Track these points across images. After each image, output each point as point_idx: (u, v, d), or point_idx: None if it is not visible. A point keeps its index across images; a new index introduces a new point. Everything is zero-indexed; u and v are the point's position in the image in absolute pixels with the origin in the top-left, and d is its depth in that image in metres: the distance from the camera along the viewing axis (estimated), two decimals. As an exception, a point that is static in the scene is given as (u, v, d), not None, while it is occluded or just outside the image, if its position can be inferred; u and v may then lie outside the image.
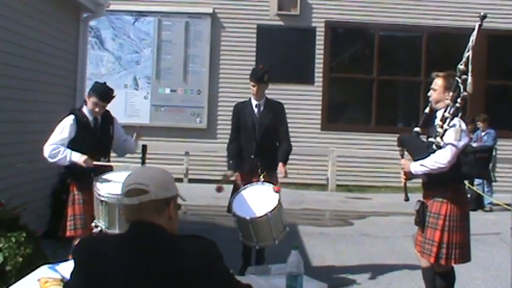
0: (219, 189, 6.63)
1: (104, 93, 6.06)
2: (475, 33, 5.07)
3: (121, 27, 14.98)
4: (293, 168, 12.71)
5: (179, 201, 2.65)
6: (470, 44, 5.09)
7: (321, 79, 15.07)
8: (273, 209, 5.91)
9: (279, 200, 6.02)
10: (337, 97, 15.62)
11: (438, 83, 5.24)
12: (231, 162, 6.83)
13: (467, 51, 5.09)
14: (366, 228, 10.12)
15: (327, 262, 7.77)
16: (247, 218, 5.89)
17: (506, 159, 13.71)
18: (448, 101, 5.08)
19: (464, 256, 5.23)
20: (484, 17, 5.06)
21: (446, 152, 4.98)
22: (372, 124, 15.27)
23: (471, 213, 10.83)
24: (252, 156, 6.68)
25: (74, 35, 9.63)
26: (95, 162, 5.82)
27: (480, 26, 5.06)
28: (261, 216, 5.88)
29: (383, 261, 7.89)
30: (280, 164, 6.62)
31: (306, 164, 14.39)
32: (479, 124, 12.43)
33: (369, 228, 10.18)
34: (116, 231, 5.33)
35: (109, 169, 6.06)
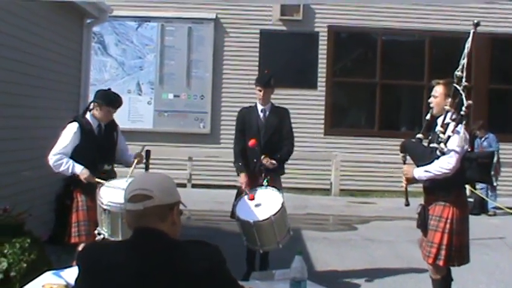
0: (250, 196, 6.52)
1: (114, 100, 6.11)
2: (469, 40, 5.14)
3: (124, 33, 15.01)
4: (297, 173, 12.74)
5: (180, 207, 2.66)
6: (465, 51, 5.16)
7: (324, 84, 15.07)
8: (277, 212, 5.92)
9: (282, 204, 6.04)
10: (341, 101, 15.62)
11: (438, 90, 5.33)
12: (240, 164, 6.80)
13: (463, 59, 5.16)
14: (370, 233, 10.12)
15: (330, 267, 7.76)
16: (251, 221, 5.90)
17: (509, 163, 13.69)
18: (448, 107, 5.16)
19: (463, 258, 5.34)
20: (477, 24, 5.15)
21: (451, 158, 5.07)
22: (375, 128, 15.25)
23: (475, 217, 10.90)
24: (255, 161, 6.68)
25: (77, 41, 9.65)
26: (97, 179, 5.83)
27: (474, 33, 5.14)
28: (265, 220, 5.89)
29: (387, 265, 7.89)
30: (275, 160, 6.59)
31: (310, 168, 14.39)
32: (477, 132, 12.36)
33: (372, 232, 10.18)
34: (119, 239, 5.34)
35: (113, 174, 6.09)
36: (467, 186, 11.00)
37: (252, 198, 6.28)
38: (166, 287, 2.42)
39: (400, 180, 5.54)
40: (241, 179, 6.67)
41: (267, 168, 6.57)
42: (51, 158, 5.87)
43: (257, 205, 6.10)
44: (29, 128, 7.81)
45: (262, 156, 6.51)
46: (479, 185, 12.08)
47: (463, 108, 5.09)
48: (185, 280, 2.42)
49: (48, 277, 3.67)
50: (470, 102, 5.08)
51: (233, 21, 14.98)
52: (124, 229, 5.27)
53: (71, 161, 5.84)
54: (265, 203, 6.14)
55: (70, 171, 5.84)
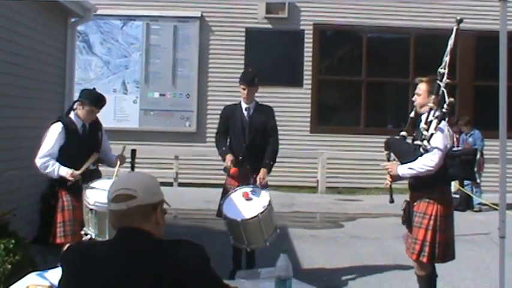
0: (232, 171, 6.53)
1: (97, 99, 6.08)
2: (452, 37, 5.17)
3: (109, 32, 14.94)
4: (283, 170, 12.74)
5: (164, 206, 2.65)
6: (448, 47, 5.19)
7: (310, 81, 15.07)
8: (264, 211, 5.92)
9: (269, 202, 6.04)
10: (326, 99, 15.64)
11: (422, 87, 5.38)
12: (223, 149, 6.77)
13: (446, 55, 5.19)
14: (356, 230, 10.14)
15: (317, 264, 7.77)
16: (238, 219, 5.89)
17: (494, 159, 13.75)
18: (432, 105, 5.19)
19: (447, 255, 5.37)
20: (460, 21, 5.18)
21: (434, 156, 5.11)
22: (361, 126, 15.28)
23: (460, 213, 10.93)
24: (240, 158, 6.67)
25: (62, 40, 9.60)
26: (80, 171, 5.81)
27: (457, 29, 5.17)
28: (252, 218, 5.89)
29: (373, 262, 7.91)
30: (262, 170, 6.58)
31: (296, 166, 14.40)
32: (463, 128, 12.46)
33: (359, 229, 10.20)
34: (106, 239, 5.32)
35: (98, 174, 6.06)
36: (454, 183, 11.12)
37: (248, 196, 6.27)
38: (150, 287, 2.41)
39: (386, 178, 5.56)
40: (227, 158, 6.59)
41: (253, 167, 6.58)
42: (38, 161, 5.86)
43: (245, 207, 6.08)
44: (13, 128, 7.76)
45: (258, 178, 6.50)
46: (465, 181, 12.14)
47: (445, 106, 5.12)
48: (170, 280, 2.42)
49: (32, 278, 3.64)
50: (451, 99, 5.11)
51: (218, 19, 14.95)
52: (111, 229, 5.24)
53: (56, 164, 5.83)
54: (252, 201, 6.14)
55: (56, 174, 5.84)
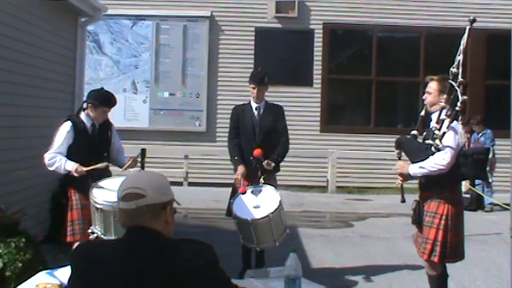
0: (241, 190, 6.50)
1: (107, 99, 6.10)
2: (465, 36, 5.14)
3: (119, 32, 14.97)
4: (293, 170, 12.74)
5: (174, 205, 2.65)
6: (461, 47, 5.15)
7: (320, 81, 15.06)
8: (275, 211, 5.91)
9: (280, 202, 6.02)
10: (336, 99, 15.62)
11: (433, 86, 5.34)
12: (236, 158, 6.76)
13: (459, 55, 5.15)
14: (366, 230, 10.11)
15: (327, 264, 7.76)
16: (249, 219, 5.88)
17: (505, 158, 13.68)
18: (443, 104, 5.16)
19: (458, 255, 5.36)
20: (473, 20, 5.14)
21: (446, 154, 5.08)
22: (371, 125, 15.25)
23: (472, 213, 10.89)
24: (251, 158, 6.65)
25: (72, 39, 9.62)
26: (85, 168, 5.82)
27: (470, 29, 5.14)
28: (263, 218, 5.87)
29: (383, 262, 7.88)
30: (269, 161, 6.55)
31: (306, 166, 14.39)
32: (475, 127, 12.42)
33: (369, 229, 10.18)
34: (112, 237, 5.34)
35: (107, 174, 6.06)
36: (464, 183, 11.07)
37: (244, 192, 6.24)
38: (159, 285, 2.41)
39: (396, 177, 5.54)
40: (238, 171, 6.62)
41: (263, 166, 6.56)
42: (46, 157, 5.90)
43: (256, 207, 6.06)
44: (24, 127, 7.79)
45: (265, 162, 6.49)
46: (476, 181, 12.08)
47: (458, 104, 5.09)
48: (178, 278, 2.41)
49: (42, 277, 3.66)
50: (465, 97, 5.08)
51: (228, 19, 14.96)
52: (117, 227, 5.30)
53: (63, 159, 5.85)
54: (263, 202, 6.12)
55: (63, 168, 5.86)
